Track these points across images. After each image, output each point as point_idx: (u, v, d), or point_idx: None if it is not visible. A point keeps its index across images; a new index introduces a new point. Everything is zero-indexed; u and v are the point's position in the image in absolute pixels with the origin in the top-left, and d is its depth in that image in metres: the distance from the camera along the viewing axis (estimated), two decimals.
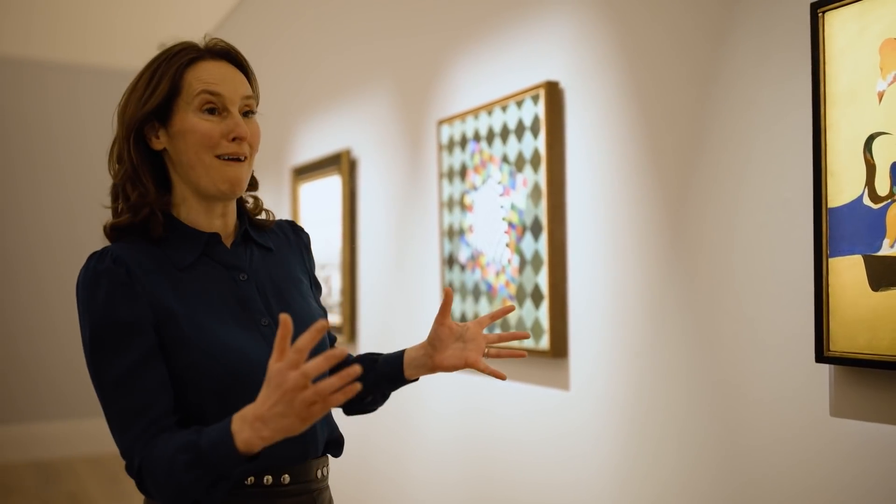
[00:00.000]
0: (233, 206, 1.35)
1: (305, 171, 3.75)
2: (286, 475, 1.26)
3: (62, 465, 5.62)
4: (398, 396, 3.01)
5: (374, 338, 3.21)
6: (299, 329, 1.21)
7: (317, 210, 3.64)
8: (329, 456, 1.37)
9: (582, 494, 2.09)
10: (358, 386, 1.03)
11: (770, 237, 1.61)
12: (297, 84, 4.01)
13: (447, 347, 1.39)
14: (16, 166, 5.76)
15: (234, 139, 1.27)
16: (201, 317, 1.24)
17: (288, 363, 1.03)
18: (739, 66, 1.67)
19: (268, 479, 1.25)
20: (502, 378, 1.39)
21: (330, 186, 3.49)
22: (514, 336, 1.43)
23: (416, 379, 1.44)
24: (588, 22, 2.08)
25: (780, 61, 1.59)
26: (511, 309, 1.42)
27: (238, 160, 1.28)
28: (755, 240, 1.64)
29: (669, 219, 1.84)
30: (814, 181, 1.47)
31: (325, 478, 1.34)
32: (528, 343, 2.22)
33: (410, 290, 2.94)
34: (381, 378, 1.44)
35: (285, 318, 1.04)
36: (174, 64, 1.27)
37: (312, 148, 3.80)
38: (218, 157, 1.27)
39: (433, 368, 1.40)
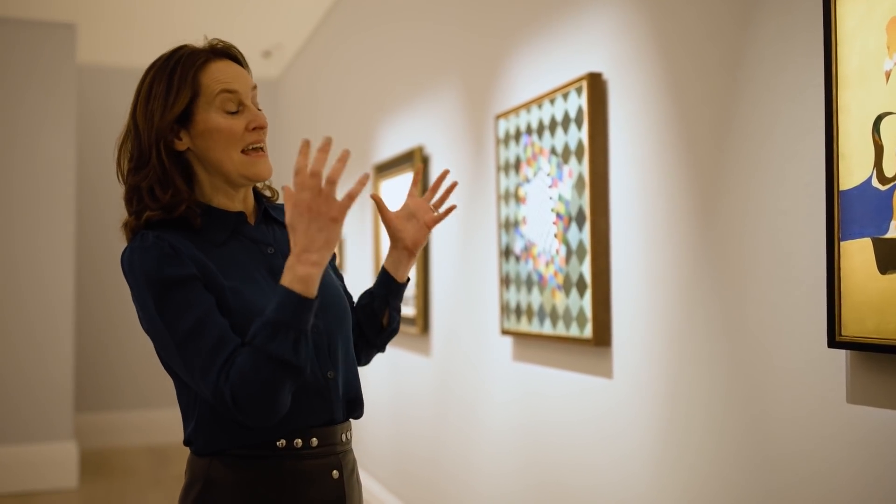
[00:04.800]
0: (250, 188, 1.46)
1: (385, 168, 3.87)
2: (314, 438, 1.36)
3: (174, 449, 5.97)
4: (462, 388, 3.09)
5: (443, 329, 3.30)
6: (323, 299, 1.34)
7: (395, 205, 3.76)
8: (351, 421, 1.46)
9: (623, 486, 2.11)
10: (369, 174, 1.19)
11: (792, 222, 1.59)
12: (380, 85, 4.15)
13: (406, 229, 1.58)
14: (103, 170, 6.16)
15: (254, 129, 1.37)
16: (240, 284, 1.33)
17: (298, 187, 1.17)
18: (761, 50, 1.66)
19: (298, 441, 1.34)
20: (454, 207, 1.64)
21: (405, 183, 3.60)
22: (438, 182, 1.60)
23: (408, 280, 1.61)
24: (629, 12, 2.10)
25: (798, 44, 1.57)
26: (419, 168, 1.61)
27: (261, 150, 1.39)
28: (779, 226, 1.63)
29: (701, 207, 1.84)
30: (826, 164, 1.46)
31: (348, 441, 1.44)
32: (574, 331, 2.26)
33: (473, 283, 3.01)
34: (385, 297, 1.58)
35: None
36: (189, 68, 1.35)
37: (391, 145, 3.92)
38: (244, 151, 1.37)
39: (411, 252, 1.58)
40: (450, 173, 1.63)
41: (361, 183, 1.18)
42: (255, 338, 1.21)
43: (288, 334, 1.20)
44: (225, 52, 1.42)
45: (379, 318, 1.58)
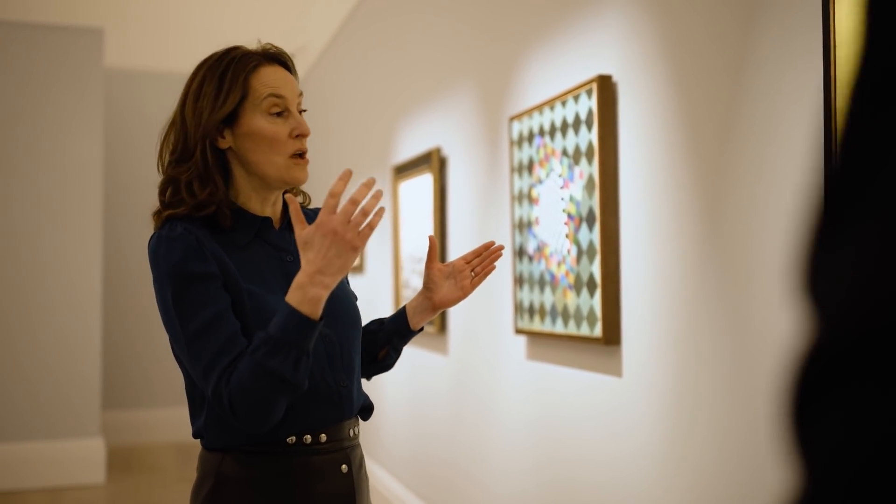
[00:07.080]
0: (280, 193, 1.49)
1: (403, 170, 3.92)
2: (323, 435, 1.40)
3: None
4: (478, 387, 3.12)
5: (460, 328, 3.33)
6: (337, 308, 1.38)
7: (414, 206, 3.81)
8: (359, 418, 1.50)
9: (631, 481, 2.13)
10: (382, 208, 1.25)
11: (796, 223, 1.61)
12: (399, 88, 4.20)
13: (441, 287, 1.57)
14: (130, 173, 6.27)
15: (297, 136, 1.40)
16: (257, 288, 1.37)
17: (326, 210, 1.20)
18: (764, 53, 1.68)
19: (307, 438, 1.38)
20: (492, 269, 1.59)
21: (423, 184, 3.64)
22: (485, 247, 1.59)
23: (422, 329, 1.60)
24: (637, 16, 2.12)
25: (800, 47, 1.59)
26: (492, 243, 1.60)
27: (303, 157, 1.42)
28: (783, 226, 1.65)
29: (707, 207, 1.87)
30: (824, 167, 1.48)
31: (356, 436, 1.48)
32: (585, 330, 2.28)
33: (488, 282, 3.03)
34: (390, 334, 1.58)
35: (293, 202, 1.24)
36: (241, 70, 1.38)
37: (410, 147, 3.97)
38: (289, 156, 1.40)
39: (435, 308, 1.57)
40: (499, 245, 1.62)
41: (379, 215, 1.21)
42: (256, 351, 1.24)
43: (290, 353, 1.23)
44: (276, 58, 1.44)
45: (377, 350, 1.59)
